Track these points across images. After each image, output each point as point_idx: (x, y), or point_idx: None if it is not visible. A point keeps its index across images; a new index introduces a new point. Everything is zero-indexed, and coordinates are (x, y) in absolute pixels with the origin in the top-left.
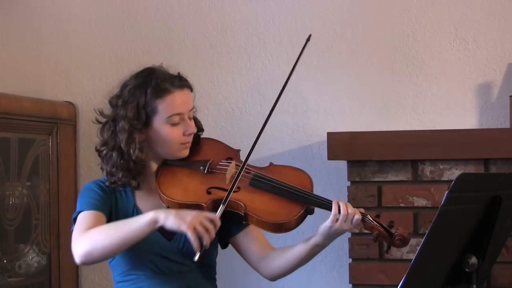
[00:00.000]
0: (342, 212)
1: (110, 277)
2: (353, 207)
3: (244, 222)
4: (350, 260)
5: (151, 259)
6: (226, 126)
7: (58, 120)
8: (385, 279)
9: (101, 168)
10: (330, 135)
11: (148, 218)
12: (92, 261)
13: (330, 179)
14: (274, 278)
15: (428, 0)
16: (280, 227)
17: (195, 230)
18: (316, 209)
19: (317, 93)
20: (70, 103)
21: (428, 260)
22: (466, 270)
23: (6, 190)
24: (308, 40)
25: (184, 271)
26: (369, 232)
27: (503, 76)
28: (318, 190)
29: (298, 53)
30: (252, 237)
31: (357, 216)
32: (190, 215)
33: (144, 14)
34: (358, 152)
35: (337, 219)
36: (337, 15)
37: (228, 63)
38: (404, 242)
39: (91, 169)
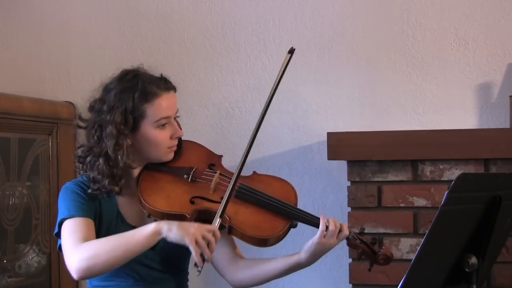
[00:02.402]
0: (330, 227)
1: None
2: (353, 207)
3: (228, 234)
4: (350, 260)
5: (134, 267)
6: (226, 126)
7: (58, 120)
8: (385, 279)
9: (78, 173)
10: (330, 135)
11: (150, 230)
12: (91, 276)
13: (330, 179)
14: (239, 286)
15: (428, 0)
16: (264, 242)
17: (197, 243)
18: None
19: (317, 93)
20: (70, 103)
21: (428, 260)
22: (466, 270)
23: (6, 190)
24: (290, 52)
25: (164, 278)
26: (353, 249)
27: (503, 76)
28: (318, 190)
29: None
30: (224, 243)
31: (345, 232)
32: (192, 227)
33: (144, 14)
34: (358, 152)
35: (325, 235)
36: (337, 15)
37: (228, 63)
38: (387, 260)
39: None
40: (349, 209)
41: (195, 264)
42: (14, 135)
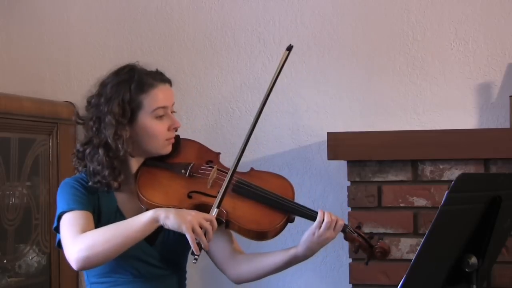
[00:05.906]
0: (326, 219)
1: None
2: (353, 207)
3: (225, 228)
4: (350, 260)
5: (132, 263)
6: (226, 126)
7: (58, 120)
8: (385, 279)
9: (77, 169)
10: (330, 135)
11: (148, 217)
12: (91, 266)
13: (330, 179)
14: (240, 281)
15: (428, 0)
16: (262, 236)
17: (194, 231)
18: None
19: (317, 93)
20: (70, 103)
21: (428, 260)
22: (466, 270)
23: (6, 190)
24: (288, 49)
25: (163, 275)
26: (351, 242)
27: (503, 76)
28: (318, 190)
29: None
30: (222, 238)
31: (340, 222)
32: (190, 215)
33: (144, 14)
34: (358, 152)
35: (321, 226)
36: (337, 15)
37: (228, 63)
38: (384, 254)
39: None
40: (349, 209)
41: (192, 252)
42: (14, 135)
